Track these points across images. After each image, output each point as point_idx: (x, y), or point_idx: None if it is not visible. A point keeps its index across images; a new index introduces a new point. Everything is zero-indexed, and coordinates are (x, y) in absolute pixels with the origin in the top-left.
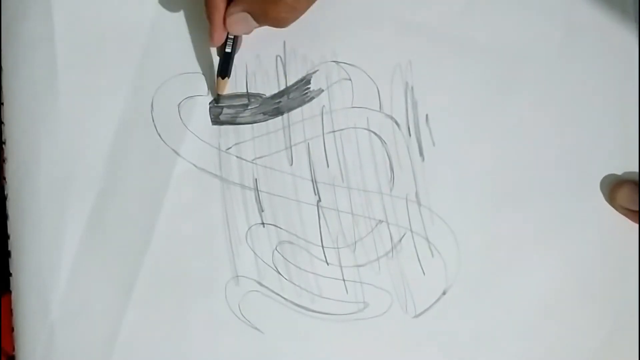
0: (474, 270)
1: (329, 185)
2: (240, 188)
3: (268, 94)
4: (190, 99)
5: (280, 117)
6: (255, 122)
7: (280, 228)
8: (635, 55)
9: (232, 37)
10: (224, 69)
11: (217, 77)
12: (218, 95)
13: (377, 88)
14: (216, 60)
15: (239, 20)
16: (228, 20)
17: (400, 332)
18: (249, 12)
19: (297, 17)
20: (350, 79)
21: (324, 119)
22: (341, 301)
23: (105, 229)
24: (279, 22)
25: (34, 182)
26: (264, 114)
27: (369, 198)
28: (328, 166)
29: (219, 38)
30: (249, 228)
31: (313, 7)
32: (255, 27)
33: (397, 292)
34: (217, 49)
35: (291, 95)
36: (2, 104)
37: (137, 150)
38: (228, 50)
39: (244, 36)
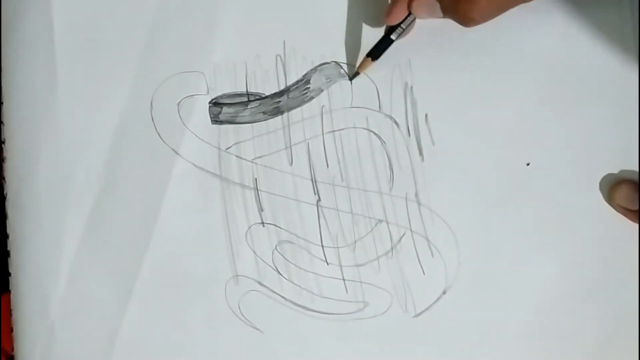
0: (474, 269)
1: (329, 185)
2: (240, 187)
3: (268, 93)
4: (190, 98)
5: (280, 117)
6: (255, 121)
7: (280, 227)
8: (635, 55)
9: (404, 27)
10: (378, 52)
11: (367, 56)
12: (357, 72)
13: (377, 88)
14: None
15: (426, 5)
16: (415, 2)
17: (400, 332)
18: (439, 1)
19: (484, 21)
20: (349, 79)
21: (323, 118)
22: (341, 301)
23: (104, 229)
24: (466, 21)
25: (34, 181)
26: (264, 113)
27: (369, 197)
28: (328, 166)
29: (397, 17)
30: (249, 227)
31: (313, 7)
32: (438, 17)
33: (397, 292)
34: (386, 27)
35: (291, 95)
36: (2, 103)
37: (136, 149)
38: (393, 37)
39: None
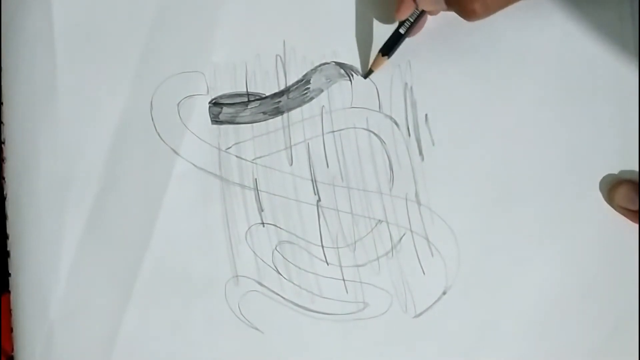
0: (474, 269)
1: (329, 185)
2: (240, 188)
3: (268, 93)
4: (190, 98)
5: (280, 117)
6: (255, 121)
7: (280, 228)
8: (635, 54)
9: (412, 20)
10: (389, 48)
11: (379, 53)
12: (370, 70)
13: (377, 88)
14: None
15: None
16: None
17: (400, 332)
18: None
19: (486, 15)
20: (349, 79)
21: (323, 118)
22: (341, 301)
23: (104, 229)
24: (468, 14)
25: (34, 182)
26: (264, 113)
27: (369, 198)
28: (328, 166)
29: (406, 11)
30: (249, 228)
31: (313, 7)
32: (443, 10)
33: (397, 292)
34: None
35: (291, 95)
36: (2, 103)
37: (136, 149)
38: (402, 31)
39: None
